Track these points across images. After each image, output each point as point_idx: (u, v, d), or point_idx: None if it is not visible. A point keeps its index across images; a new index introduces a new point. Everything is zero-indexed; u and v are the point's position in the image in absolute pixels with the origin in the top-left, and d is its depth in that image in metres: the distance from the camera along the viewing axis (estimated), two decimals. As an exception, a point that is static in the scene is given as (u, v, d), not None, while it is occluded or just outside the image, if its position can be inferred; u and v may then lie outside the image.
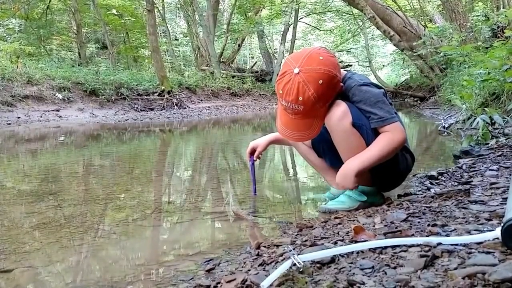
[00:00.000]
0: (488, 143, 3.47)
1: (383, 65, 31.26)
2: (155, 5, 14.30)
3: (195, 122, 8.62)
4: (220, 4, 20.44)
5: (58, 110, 9.42)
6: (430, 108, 9.58)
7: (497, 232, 1.00)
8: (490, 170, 2.18)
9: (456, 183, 2.06)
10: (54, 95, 9.81)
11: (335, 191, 2.10)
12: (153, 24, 12.54)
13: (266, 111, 13.14)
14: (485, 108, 4.08)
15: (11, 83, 9.47)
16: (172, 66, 19.01)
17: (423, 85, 15.54)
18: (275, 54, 22.94)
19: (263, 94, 14.91)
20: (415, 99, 15.28)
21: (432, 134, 5.52)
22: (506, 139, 3.43)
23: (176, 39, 23.69)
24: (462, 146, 3.69)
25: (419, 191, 2.11)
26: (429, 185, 2.16)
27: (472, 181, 1.98)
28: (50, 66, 12.24)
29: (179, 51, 23.12)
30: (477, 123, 3.69)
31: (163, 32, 20.78)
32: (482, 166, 2.36)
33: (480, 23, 9.03)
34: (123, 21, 17.32)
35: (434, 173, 2.40)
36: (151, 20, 12.33)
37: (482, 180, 1.96)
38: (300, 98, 1.67)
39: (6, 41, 13.75)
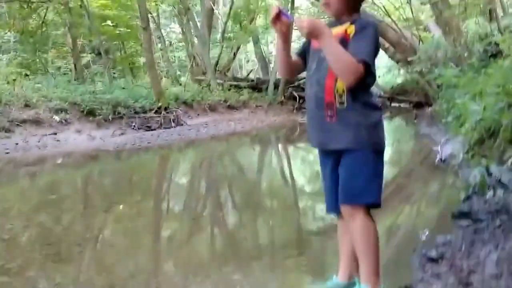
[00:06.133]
0: (486, 195, 3.54)
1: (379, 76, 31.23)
2: (150, 13, 14.34)
3: (196, 143, 9.21)
4: (215, 12, 20.36)
5: (55, 134, 9.42)
6: (426, 125, 9.60)
7: None
8: (489, 260, 2.24)
9: (455, 281, 2.11)
10: (52, 117, 9.80)
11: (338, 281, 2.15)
12: (148, 40, 12.54)
13: (263, 123, 13.23)
14: (483, 156, 4.14)
15: (8, 108, 9.44)
16: (167, 72, 18.99)
17: (418, 89, 15.51)
18: (270, 59, 22.87)
19: (259, 106, 14.89)
20: (410, 104, 15.52)
21: (429, 167, 5.59)
22: (503, 193, 3.49)
23: (171, 44, 23.53)
24: (460, 197, 3.76)
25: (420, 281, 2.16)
26: (430, 278, 2.22)
27: (472, 282, 2.04)
28: (46, 83, 12.15)
29: (174, 56, 22.99)
30: (474, 176, 3.76)
31: (157, 38, 20.66)
32: (481, 249, 2.42)
33: (475, 41, 9.11)
34: (118, 32, 17.24)
35: (433, 254, 2.46)
36: (146, 37, 12.33)
37: (483, 281, 2.02)
38: None
39: (1, 60, 13.68)
